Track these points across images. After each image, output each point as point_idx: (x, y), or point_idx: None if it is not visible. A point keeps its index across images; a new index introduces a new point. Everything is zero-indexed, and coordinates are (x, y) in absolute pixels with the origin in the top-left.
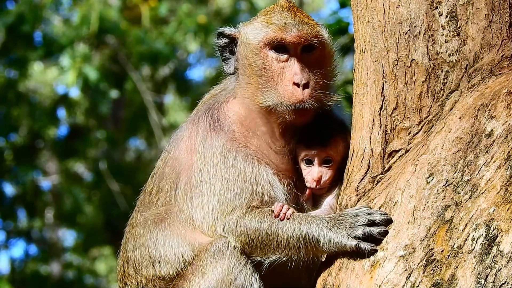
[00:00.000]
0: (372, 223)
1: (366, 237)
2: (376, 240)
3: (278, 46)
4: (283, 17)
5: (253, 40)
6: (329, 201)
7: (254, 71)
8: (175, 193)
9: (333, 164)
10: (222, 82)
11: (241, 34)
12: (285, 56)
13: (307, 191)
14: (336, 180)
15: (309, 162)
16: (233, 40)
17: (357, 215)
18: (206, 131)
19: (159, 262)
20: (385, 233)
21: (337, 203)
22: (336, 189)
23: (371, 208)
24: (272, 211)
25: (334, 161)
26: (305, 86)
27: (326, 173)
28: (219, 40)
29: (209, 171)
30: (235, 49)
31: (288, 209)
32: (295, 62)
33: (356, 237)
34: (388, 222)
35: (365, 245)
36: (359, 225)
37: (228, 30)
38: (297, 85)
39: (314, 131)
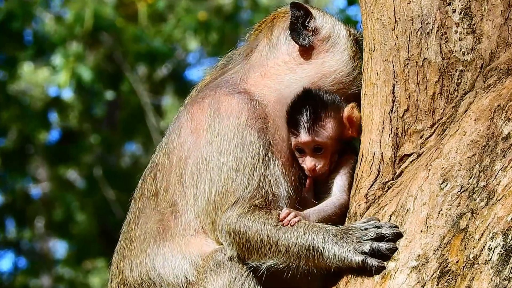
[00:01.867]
0: (381, 237)
1: (374, 253)
2: (384, 256)
3: None
4: None
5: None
6: (338, 185)
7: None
8: (182, 184)
9: (325, 151)
10: (213, 69)
11: (326, 21)
12: None
13: (307, 181)
14: (345, 158)
15: (301, 151)
16: (309, 16)
17: (365, 229)
18: (221, 102)
19: (161, 286)
20: (394, 249)
21: (348, 184)
22: (344, 168)
23: (379, 221)
24: (278, 214)
25: (326, 147)
26: None
27: (319, 161)
28: (295, 10)
29: (220, 145)
30: (309, 24)
31: (295, 216)
32: None
33: (363, 252)
34: (398, 236)
35: (372, 261)
36: (367, 240)
37: (308, 6)
38: None
39: (300, 116)
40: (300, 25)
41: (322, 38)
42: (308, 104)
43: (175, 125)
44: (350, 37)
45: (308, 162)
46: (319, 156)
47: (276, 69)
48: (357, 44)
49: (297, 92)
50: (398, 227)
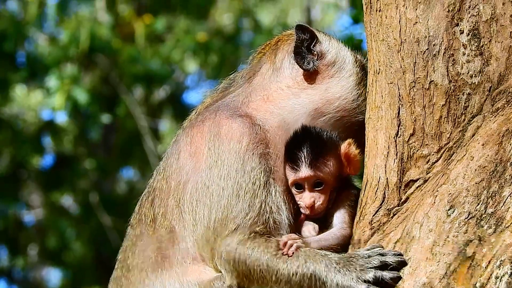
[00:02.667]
0: (384, 265)
1: (377, 281)
2: (387, 285)
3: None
4: None
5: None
6: (339, 218)
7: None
8: (181, 209)
9: (325, 186)
10: (214, 92)
11: (332, 45)
12: None
13: (301, 216)
14: (344, 194)
15: (299, 187)
16: (315, 39)
17: (369, 256)
18: (221, 125)
19: None
20: (398, 279)
21: (349, 218)
22: (344, 203)
23: (383, 248)
24: (277, 242)
25: (326, 183)
26: None
27: (319, 198)
28: (300, 33)
29: (220, 170)
30: (314, 48)
31: (292, 245)
32: None
33: (366, 281)
34: (402, 264)
35: None
36: (370, 268)
37: (312, 29)
38: None
39: (299, 152)
40: (305, 49)
41: (328, 63)
42: (308, 140)
43: (173, 149)
44: (356, 63)
45: (307, 199)
46: (318, 192)
47: (279, 93)
48: (363, 71)
49: (295, 129)
50: (402, 255)
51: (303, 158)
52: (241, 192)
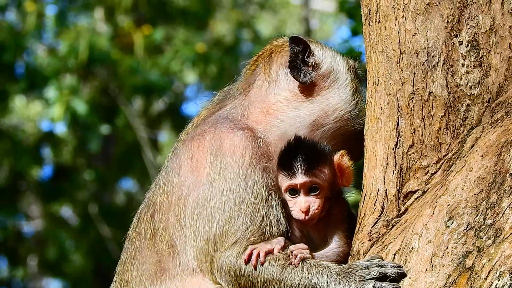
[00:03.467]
0: (384, 277)
1: None
2: None
3: None
4: None
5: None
6: (336, 237)
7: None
8: (181, 224)
9: (320, 192)
10: (210, 104)
11: (326, 55)
12: None
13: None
14: (337, 209)
15: (294, 193)
16: (307, 50)
17: (368, 267)
18: (222, 139)
19: None
20: None
21: (345, 236)
22: (338, 217)
23: (383, 259)
24: (283, 253)
25: (321, 188)
26: None
27: (314, 202)
28: (294, 45)
29: (222, 184)
30: (308, 59)
31: (300, 253)
32: None
33: None
34: (402, 276)
35: None
36: (370, 279)
37: (306, 39)
38: None
39: (295, 158)
40: (300, 61)
41: (323, 74)
42: (303, 148)
43: (174, 163)
44: (350, 70)
45: (302, 203)
46: (314, 197)
47: (278, 106)
48: (357, 78)
49: (287, 140)
50: (401, 267)
51: (299, 164)
52: (243, 206)
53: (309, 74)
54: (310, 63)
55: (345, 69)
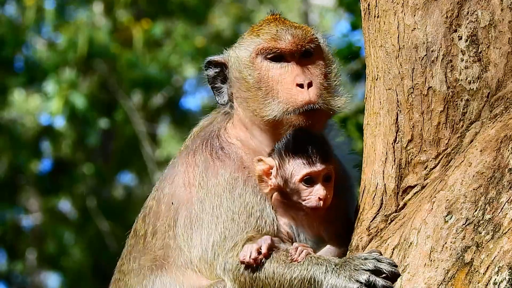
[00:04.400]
0: (378, 271)
1: (369, 285)
2: None
3: (274, 56)
4: (272, 27)
5: (244, 54)
6: (333, 233)
7: (252, 85)
8: (174, 232)
9: (332, 180)
10: (210, 114)
11: (231, 55)
12: (281, 63)
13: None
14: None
15: (310, 182)
16: (223, 66)
17: (365, 258)
18: (207, 161)
19: None
20: None
21: (343, 232)
22: (338, 215)
23: (381, 254)
24: (284, 250)
25: (333, 177)
26: (309, 85)
27: (329, 190)
28: (208, 70)
29: (212, 201)
30: (227, 73)
31: (305, 249)
32: (294, 65)
33: (358, 281)
34: (395, 276)
35: None
36: (365, 270)
37: (216, 57)
38: (301, 85)
39: (310, 147)
40: (221, 83)
41: (236, 84)
42: (314, 137)
43: (170, 171)
44: (242, 62)
45: (321, 191)
46: (327, 186)
47: (238, 119)
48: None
49: (291, 132)
50: (397, 267)
51: (317, 152)
52: (235, 216)
53: (227, 91)
54: (229, 79)
55: (243, 67)
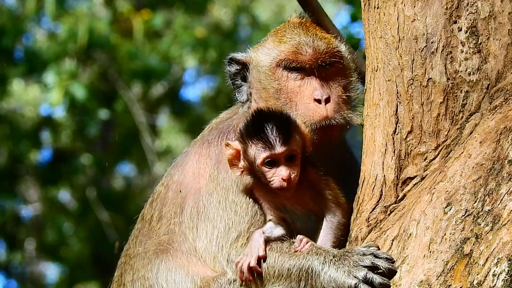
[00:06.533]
0: (375, 268)
1: (367, 282)
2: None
3: (293, 67)
4: (295, 35)
5: (265, 62)
6: (326, 207)
7: (271, 94)
8: (180, 219)
9: (296, 159)
10: (231, 108)
11: (253, 58)
12: (301, 75)
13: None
14: (312, 175)
15: (272, 164)
16: (244, 66)
17: (363, 254)
18: (221, 155)
19: None
20: (386, 286)
21: (334, 201)
22: (315, 183)
23: (379, 249)
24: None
25: (297, 155)
26: (327, 101)
27: (293, 170)
28: (230, 67)
29: (219, 195)
30: (248, 75)
31: (307, 242)
32: (313, 79)
33: (356, 277)
34: (392, 273)
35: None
36: (362, 266)
37: (239, 55)
38: (319, 101)
39: (268, 130)
40: (241, 81)
41: (256, 85)
42: (273, 118)
43: (182, 159)
44: (269, 67)
45: (283, 172)
46: (292, 165)
47: None
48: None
49: (252, 113)
50: (394, 262)
51: (276, 134)
52: (237, 208)
53: (247, 90)
54: (249, 79)
55: (266, 73)
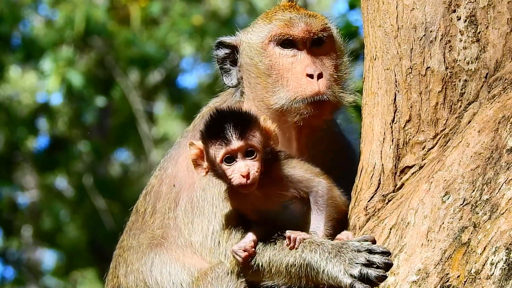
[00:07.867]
0: (371, 264)
1: (362, 278)
2: (372, 283)
3: (285, 42)
4: (286, 13)
5: (256, 40)
6: (301, 177)
7: (262, 72)
8: (174, 214)
9: (257, 154)
10: (220, 95)
11: (243, 40)
12: (293, 51)
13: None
14: (280, 166)
15: (231, 160)
16: (234, 49)
17: (358, 250)
18: None
19: None
20: (383, 278)
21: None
22: (297, 169)
23: (375, 242)
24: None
25: (257, 151)
26: (319, 76)
27: (253, 166)
28: (218, 51)
29: (212, 190)
30: (238, 57)
31: (299, 236)
32: (305, 54)
33: (352, 275)
34: (388, 266)
35: (360, 286)
36: (357, 263)
37: (228, 38)
38: (311, 76)
39: (225, 126)
40: (230, 65)
41: (246, 70)
42: (229, 115)
43: (175, 152)
44: (254, 47)
45: (242, 168)
46: (251, 160)
47: (247, 105)
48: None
49: (210, 112)
50: (390, 255)
51: (231, 129)
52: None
53: (237, 74)
54: (239, 62)
55: (254, 54)
